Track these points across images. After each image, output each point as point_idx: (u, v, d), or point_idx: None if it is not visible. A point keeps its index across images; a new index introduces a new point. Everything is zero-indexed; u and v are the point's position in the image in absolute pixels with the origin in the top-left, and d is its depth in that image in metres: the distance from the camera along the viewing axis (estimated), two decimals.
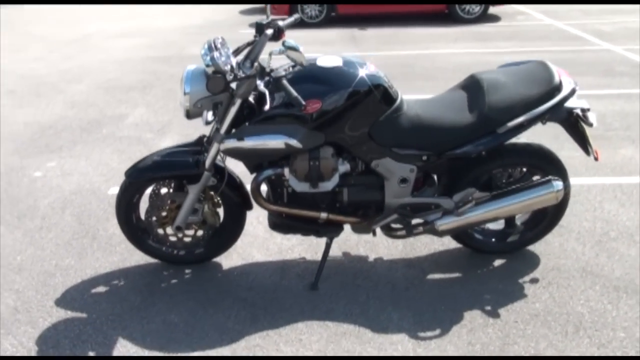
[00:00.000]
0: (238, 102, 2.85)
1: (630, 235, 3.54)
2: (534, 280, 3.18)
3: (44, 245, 3.66)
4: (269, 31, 2.97)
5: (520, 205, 3.10)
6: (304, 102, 2.68)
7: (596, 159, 3.21)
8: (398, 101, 2.98)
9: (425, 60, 8.26)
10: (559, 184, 3.06)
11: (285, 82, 2.72)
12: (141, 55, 9.22)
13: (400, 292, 3.11)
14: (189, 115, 2.90)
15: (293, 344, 2.76)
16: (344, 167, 3.01)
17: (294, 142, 2.86)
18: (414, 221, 3.17)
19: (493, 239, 3.40)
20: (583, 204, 3.95)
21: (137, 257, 3.44)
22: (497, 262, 3.34)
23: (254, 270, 3.35)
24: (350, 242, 3.54)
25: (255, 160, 3.01)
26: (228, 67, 2.77)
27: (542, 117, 2.95)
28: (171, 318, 2.96)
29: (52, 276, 3.34)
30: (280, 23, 3.06)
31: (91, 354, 2.72)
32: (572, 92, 2.98)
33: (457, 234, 3.28)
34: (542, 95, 2.92)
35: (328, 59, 2.93)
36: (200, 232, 3.30)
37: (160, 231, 3.26)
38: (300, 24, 10.37)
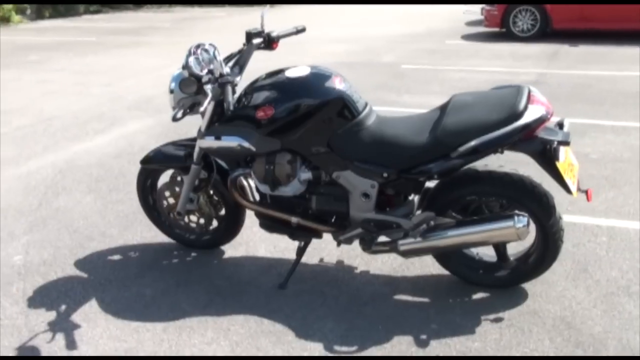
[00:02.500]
0: (212, 103, 3.10)
1: None
2: (498, 320, 2.97)
3: (108, 214, 4.24)
4: (257, 40, 3.18)
5: (477, 236, 2.93)
6: (231, 108, 2.84)
7: (588, 198, 2.91)
8: (361, 116, 2.99)
9: (609, 82, 7.59)
10: (521, 220, 2.84)
11: (228, 88, 2.91)
12: (335, 60, 9.74)
13: (353, 306, 3.11)
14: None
15: (219, 331, 2.95)
16: (306, 175, 3.10)
17: (247, 145, 3.03)
18: (383, 239, 3.15)
19: (481, 271, 3.22)
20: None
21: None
22: (478, 296, 3.16)
23: (244, 263, 3.57)
24: (349, 252, 3.57)
25: (225, 158, 3.23)
26: (205, 71, 3.02)
27: (498, 144, 2.76)
28: (145, 291, 3.32)
29: (92, 240, 3.88)
30: (274, 33, 3.24)
31: (63, 308, 3.17)
32: (537, 121, 2.73)
33: (440, 257, 3.23)
34: (499, 121, 2.73)
35: (297, 70, 3.05)
36: (202, 221, 3.60)
37: (171, 215, 3.63)
38: (508, 36, 10.30)
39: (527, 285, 3.20)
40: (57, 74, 9.48)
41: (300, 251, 3.32)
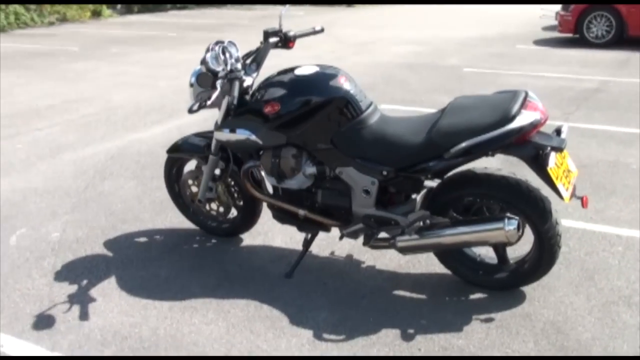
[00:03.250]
0: (226, 97, 3.28)
1: None
2: (488, 320, 3.03)
3: (145, 199, 4.50)
4: (273, 39, 3.34)
5: (469, 236, 2.99)
6: (235, 102, 3.00)
7: (583, 205, 2.93)
8: (364, 114, 3.10)
9: None
10: (511, 223, 2.88)
11: (235, 83, 3.07)
12: (399, 61, 9.83)
13: (351, 298, 3.21)
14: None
15: (220, 313, 3.12)
16: (311, 169, 3.23)
17: (254, 138, 3.20)
18: (384, 235, 3.25)
19: (481, 272, 3.27)
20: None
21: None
22: (476, 296, 3.21)
23: (259, 252, 3.74)
24: (360, 247, 3.62)
25: (238, 150, 3.41)
26: (220, 67, 3.21)
27: (489, 147, 2.81)
28: (160, 272, 3.54)
29: (124, 222, 4.15)
30: (291, 33, 3.39)
31: (84, 282, 3.43)
32: (528, 126, 2.77)
33: (442, 256, 3.29)
34: (490, 124, 2.78)
35: (305, 68, 3.19)
36: (221, 209, 3.80)
37: (193, 203, 3.84)
38: (581, 42, 10.11)
39: (527, 289, 3.22)
40: (132, 67, 9.95)
41: (307, 243, 3.45)
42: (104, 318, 3.10)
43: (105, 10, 18.41)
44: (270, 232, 3.92)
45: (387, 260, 3.56)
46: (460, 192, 3.05)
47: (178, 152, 3.71)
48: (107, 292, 3.32)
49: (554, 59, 9.72)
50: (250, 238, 3.89)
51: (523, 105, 2.80)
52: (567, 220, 3.99)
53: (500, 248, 3.17)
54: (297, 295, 3.26)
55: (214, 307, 3.18)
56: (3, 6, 15.25)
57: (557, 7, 11.54)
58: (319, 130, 3.11)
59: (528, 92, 2.92)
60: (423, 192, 3.19)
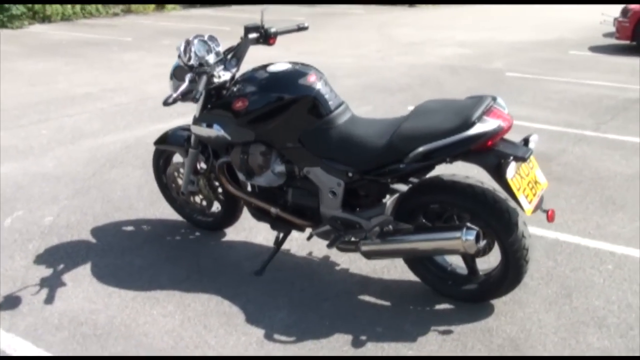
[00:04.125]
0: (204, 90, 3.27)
1: None
2: (446, 332, 2.93)
3: (144, 189, 4.57)
4: (253, 35, 3.32)
5: (427, 244, 2.90)
6: (197, 97, 2.98)
7: (548, 219, 2.81)
8: (332, 114, 3.05)
9: None
10: (469, 233, 2.78)
11: (203, 77, 3.06)
12: (444, 62, 9.68)
13: (313, 300, 3.16)
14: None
15: (179, 306, 3.12)
16: (280, 167, 3.20)
17: (223, 134, 3.19)
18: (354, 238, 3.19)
19: (450, 282, 3.16)
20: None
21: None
22: (442, 307, 3.12)
23: (237, 247, 3.73)
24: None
25: (214, 145, 3.40)
26: (196, 62, 3.21)
27: (446, 153, 2.71)
28: (136, 261, 3.57)
29: (118, 211, 4.22)
30: (273, 29, 3.36)
31: (60, 267, 3.49)
32: (487, 134, 2.66)
33: (411, 263, 3.21)
34: (449, 129, 2.68)
35: (278, 65, 3.16)
36: (204, 203, 3.81)
37: (179, 195, 3.86)
38: (638, 51, 9.68)
39: (498, 303, 3.11)
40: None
41: (279, 242, 3.42)
42: (68, 303, 3.14)
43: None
44: (255, 229, 3.91)
45: (363, 264, 3.48)
46: (427, 198, 2.96)
47: (164, 144, 3.74)
48: (79, 278, 3.37)
49: (604, 67, 9.35)
50: (234, 233, 3.88)
51: (486, 112, 2.69)
52: (563, 234, 3.84)
53: (469, 259, 3.06)
54: (261, 294, 3.23)
55: (176, 299, 3.19)
56: None
57: (618, 13, 11.09)
58: (287, 129, 3.07)
59: (497, 98, 2.81)
60: (394, 196, 3.11)
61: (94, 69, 9.17)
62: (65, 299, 3.18)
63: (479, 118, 2.65)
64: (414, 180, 3.06)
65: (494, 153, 2.69)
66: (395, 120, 2.96)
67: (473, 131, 2.64)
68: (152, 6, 18.25)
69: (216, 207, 3.84)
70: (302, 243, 3.68)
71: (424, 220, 3.06)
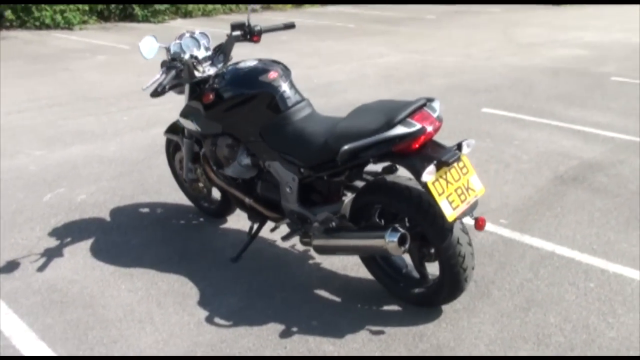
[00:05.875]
0: (187, 84, 3.51)
1: None
2: (377, 333, 2.95)
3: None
4: (237, 32, 3.49)
5: (356, 242, 2.92)
6: (159, 90, 3.18)
7: (476, 227, 2.75)
8: (290, 110, 3.15)
9: None
10: (393, 235, 2.77)
11: (172, 72, 3.26)
12: (551, 65, 9.36)
13: (269, 290, 3.26)
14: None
15: (147, 283, 3.34)
16: (246, 160, 3.34)
17: (194, 126, 3.39)
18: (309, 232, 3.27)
19: (402, 284, 3.15)
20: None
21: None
22: (391, 308, 3.12)
23: (229, 234, 3.91)
24: None
25: (196, 136, 3.61)
26: (185, 55, 3.44)
27: (367, 153, 2.72)
28: (133, 240, 3.85)
29: (144, 193, 4.56)
30: (257, 27, 3.51)
31: (67, 240, 3.86)
32: (406, 136, 2.64)
33: (366, 261, 3.23)
34: (373, 129, 2.68)
35: (247, 62, 3.31)
36: (205, 190, 4.03)
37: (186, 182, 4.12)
38: None
39: (448, 310, 3.06)
40: (282, 54, 10.35)
41: (252, 232, 3.55)
42: (56, 272, 3.47)
43: None
44: None
45: (338, 260, 3.54)
46: (370, 198, 2.97)
47: (170, 133, 3.99)
48: (77, 252, 3.70)
49: None
50: (234, 221, 4.06)
51: (412, 114, 2.67)
52: (562, 247, 3.67)
53: (417, 262, 3.04)
54: (225, 279, 3.38)
55: (148, 277, 3.42)
56: None
57: None
58: (248, 123, 3.20)
59: (434, 100, 2.77)
60: (353, 195, 3.15)
61: None
62: (55, 269, 3.51)
63: (402, 120, 2.64)
64: (368, 178, 3.08)
65: (419, 156, 2.66)
66: (337, 119, 3.00)
67: (393, 132, 2.63)
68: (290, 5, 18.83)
69: (219, 195, 4.02)
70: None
71: (377, 220, 3.06)
